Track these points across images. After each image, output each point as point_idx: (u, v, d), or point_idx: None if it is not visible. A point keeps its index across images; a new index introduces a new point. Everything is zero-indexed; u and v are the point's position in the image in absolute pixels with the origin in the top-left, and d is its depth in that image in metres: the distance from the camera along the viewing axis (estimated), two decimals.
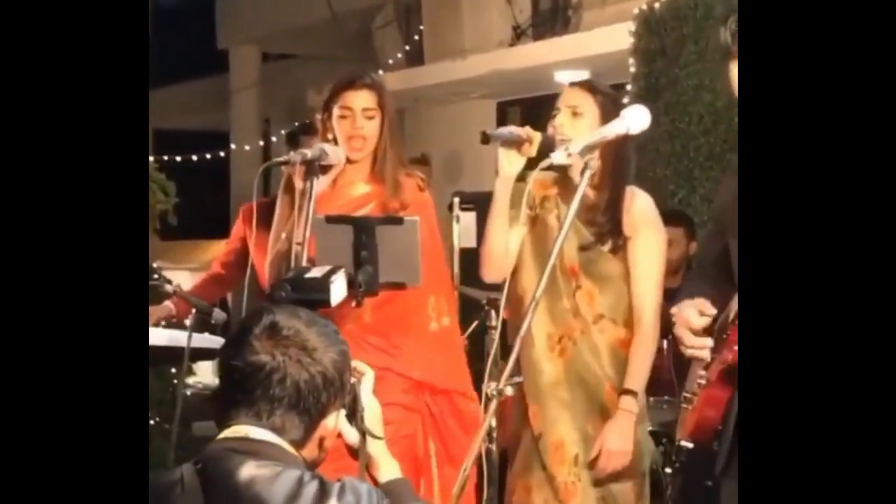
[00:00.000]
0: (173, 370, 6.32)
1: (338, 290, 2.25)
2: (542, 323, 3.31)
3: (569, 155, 2.72)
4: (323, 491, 1.86)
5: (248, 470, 1.86)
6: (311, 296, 2.21)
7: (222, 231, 12.63)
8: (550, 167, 2.79)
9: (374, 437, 2.13)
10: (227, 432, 1.94)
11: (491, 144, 3.11)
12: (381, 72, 9.63)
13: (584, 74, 8.85)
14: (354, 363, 2.08)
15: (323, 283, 2.22)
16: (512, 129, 3.15)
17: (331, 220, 3.13)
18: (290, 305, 2.04)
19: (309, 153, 3.21)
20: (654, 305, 3.32)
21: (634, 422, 3.28)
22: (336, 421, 2.02)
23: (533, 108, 10.01)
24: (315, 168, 3.19)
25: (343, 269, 2.31)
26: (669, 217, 4.05)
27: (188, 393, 6.32)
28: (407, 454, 3.38)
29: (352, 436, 2.12)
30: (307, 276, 2.25)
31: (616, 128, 2.74)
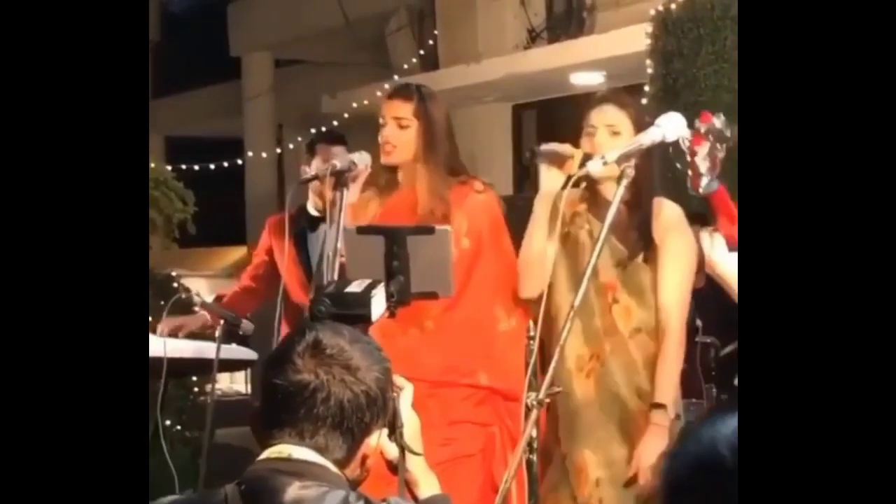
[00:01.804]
0: (194, 378, 6.33)
1: (378, 304, 2.23)
2: (575, 345, 3.24)
3: (605, 164, 2.70)
4: None
5: (294, 491, 1.83)
6: (352, 311, 2.18)
7: (238, 238, 12.65)
8: (581, 181, 2.75)
9: (413, 452, 2.10)
10: (270, 452, 1.91)
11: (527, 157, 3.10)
12: (395, 77, 9.61)
13: (599, 77, 8.83)
14: (393, 377, 2.05)
15: (364, 298, 2.18)
16: (556, 147, 3.13)
17: (361, 230, 3.10)
18: (331, 322, 2.01)
19: (338, 164, 3.19)
20: (681, 314, 3.24)
21: (667, 435, 3.23)
22: (378, 439, 1.99)
23: (548, 110, 9.98)
24: (344, 179, 3.17)
25: (381, 283, 2.28)
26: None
27: (209, 401, 6.33)
28: (476, 474, 3.30)
29: (391, 451, 2.09)
30: (347, 290, 2.22)
31: (652, 135, 2.71)
